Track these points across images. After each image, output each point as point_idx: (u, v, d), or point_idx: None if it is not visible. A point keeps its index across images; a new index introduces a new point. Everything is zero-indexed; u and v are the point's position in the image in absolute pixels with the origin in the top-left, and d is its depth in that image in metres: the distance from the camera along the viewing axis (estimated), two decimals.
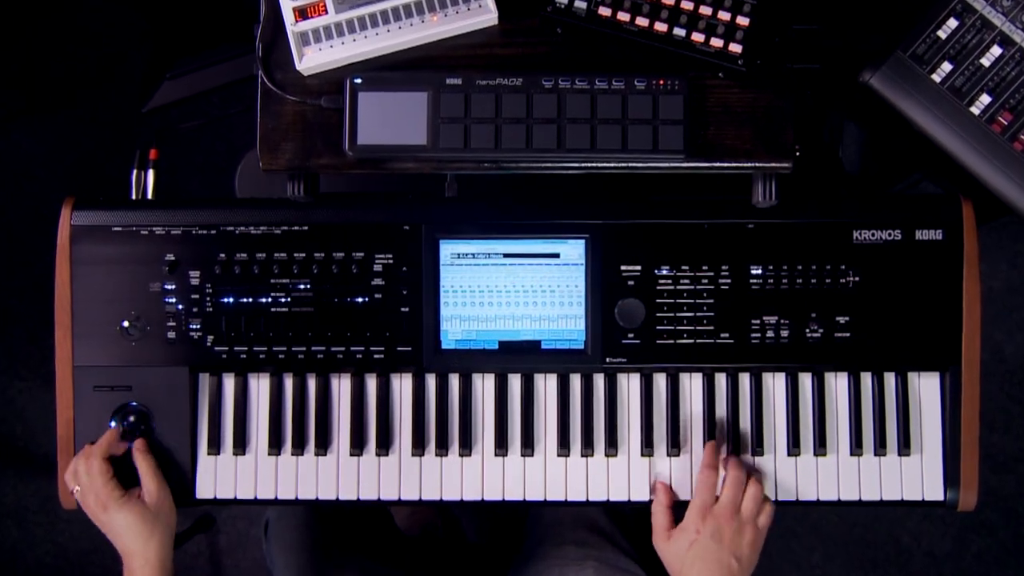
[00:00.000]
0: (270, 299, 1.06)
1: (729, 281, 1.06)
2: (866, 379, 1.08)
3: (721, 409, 1.07)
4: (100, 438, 1.05)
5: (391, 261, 1.06)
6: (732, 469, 1.02)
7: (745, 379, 1.08)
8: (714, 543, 0.97)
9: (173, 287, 1.06)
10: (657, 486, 1.05)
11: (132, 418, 1.06)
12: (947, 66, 1.04)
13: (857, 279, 1.06)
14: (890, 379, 1.08)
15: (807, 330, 1.06)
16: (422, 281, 1.06)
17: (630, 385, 1.08)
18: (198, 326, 1.06)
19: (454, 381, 1.08)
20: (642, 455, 1.07)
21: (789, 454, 1.07)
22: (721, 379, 1.08)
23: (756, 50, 0.96)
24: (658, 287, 1.06)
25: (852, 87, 1.09)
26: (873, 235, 1.06)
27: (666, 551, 1.00)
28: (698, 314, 1.06)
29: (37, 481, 1.82)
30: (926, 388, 1.08)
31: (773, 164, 0.99)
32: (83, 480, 1.02)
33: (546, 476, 1.07)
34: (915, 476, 1.07)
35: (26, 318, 1.83)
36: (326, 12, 0.97)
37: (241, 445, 1.07)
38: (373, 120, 0.97)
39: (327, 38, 0.98)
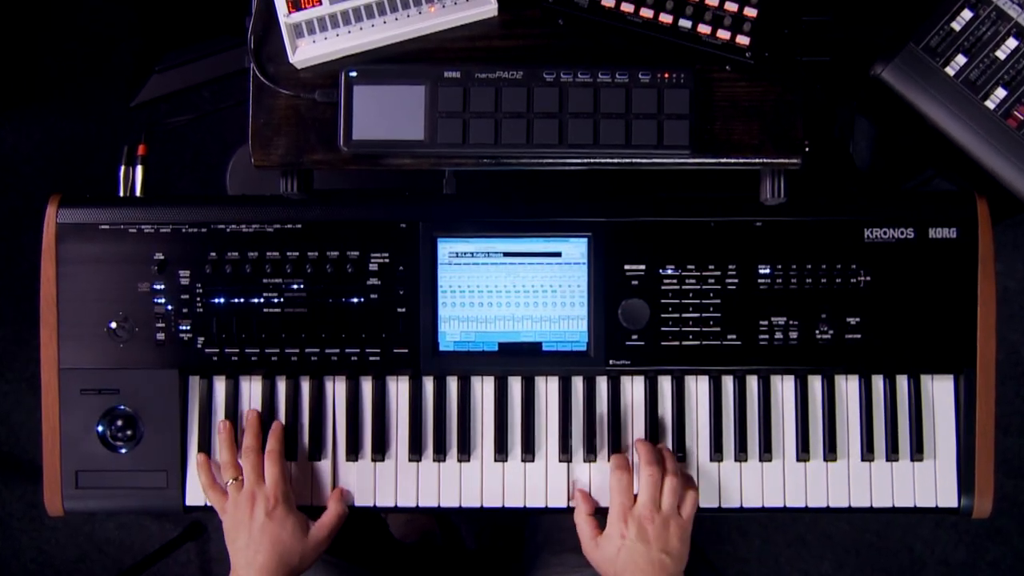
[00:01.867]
0: (262, 299, 1.06)
1: (736, 281, 1.06)
2: (878, 382, 1.08)
3: (727, 412, 1.07)
4: (272, 435, 1.04)
5: (387, 260, 1.06)
6: (644, 466, 1.01)
7: (753, 382, 1.08)
8: (641, 544, 0.97)
9: (162, 287, 1.06)
10: (576, 495, 1.05)
11: (120, 422, 1.06)
12: (961, 59, 1.04)
13: (868, 279, 1.06)
14: (902, 382, 1.08)
15: (817, 331, 1.06)
16: (419, 281, 1.06)
17: (634, 388, 1.08)
18: (188, 327, 1.06)
19: (452, 384, 1.08)
20: None
21: (798, 459, 1.07)
22: (728, 382, 1.08)
23: (764, 42, 0.96)
24: (663, 287, 1.06)
25: (863, 80, 1.09)
26: (885, 233, 1.06)
27: (597, 559, 1.01)
28: (704, 315, 1.06)
29: (22, 487, 1.82)
30: (939, 391, 1.08)
31: (782, 160, 0.99)
32: (250, 475, 1.01)
33: (547, 482, 1.07)
34: (928, 482, 1.07)
35: (11, 319, 1.83)
36: (320, 3, 0.97)
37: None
38: (369, 114, 0.96)
39: (321, 30, 0.97)
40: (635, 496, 1.00)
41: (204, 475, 1.04)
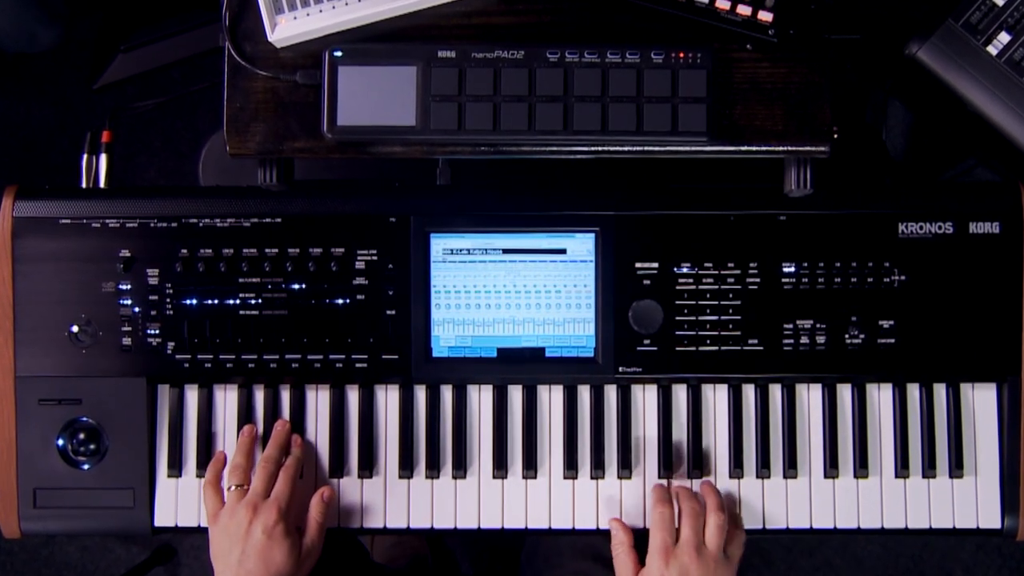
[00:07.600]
0: (238, 301, 1.06)
1: (758, 280, 1.06)
2: (913, 391, 1.08)
3: (748, 424, 1.08)
4: (292, 455, 1.05)
5: (375, 257, 1.06)
6: (685, 501, 1.01)
7: (776, 391, 1.08)
8: None
9: (128, 287, 1.06)
10: (613, 525, 1.04)
11: (82, 435, 1.06)
12: (1004, 37, 1.04)
13: (903, 278, 1.06)
14: (940, 391, 1.08)
15: (846, 336, 1.06)
16: (410, 280, 1.06)
17: (646, 398, 1.08)
18: (157, 331, 1.06)
19: (447, 393, 1.08)
20: (660, 477, 1.07)
21: (826, 476, 1.07)
22: (749, 391, 1.08)
23: (789, 18, 0.96)
24: (678, 287, 1.06)
25: (897, 61, 1.09)
26: (921, 228, 1.06)
27: None
28: (723, 317, 1.06)
29: None
30: (981, 401, 1.08)
31: (808, 148, 0.99)
32: (259, 485, 1.01)
33: (551, 501, 1.07)
34: (969, 501, 1.07)
35: None
36: None
37: (205, 466, 1.07)
38: (355, 98, 0.96)
39: (303, 5, 0.97)
40: (678, 530, 1.00)
41: (212, 471, 1.05)
